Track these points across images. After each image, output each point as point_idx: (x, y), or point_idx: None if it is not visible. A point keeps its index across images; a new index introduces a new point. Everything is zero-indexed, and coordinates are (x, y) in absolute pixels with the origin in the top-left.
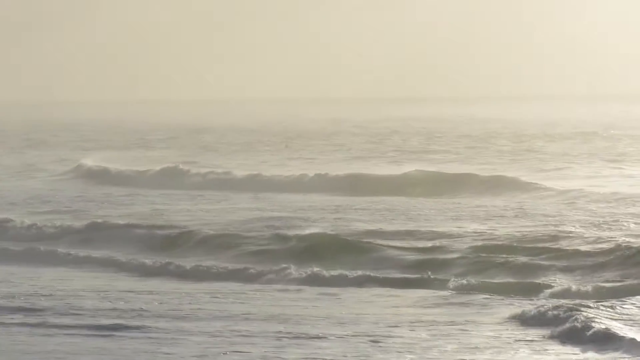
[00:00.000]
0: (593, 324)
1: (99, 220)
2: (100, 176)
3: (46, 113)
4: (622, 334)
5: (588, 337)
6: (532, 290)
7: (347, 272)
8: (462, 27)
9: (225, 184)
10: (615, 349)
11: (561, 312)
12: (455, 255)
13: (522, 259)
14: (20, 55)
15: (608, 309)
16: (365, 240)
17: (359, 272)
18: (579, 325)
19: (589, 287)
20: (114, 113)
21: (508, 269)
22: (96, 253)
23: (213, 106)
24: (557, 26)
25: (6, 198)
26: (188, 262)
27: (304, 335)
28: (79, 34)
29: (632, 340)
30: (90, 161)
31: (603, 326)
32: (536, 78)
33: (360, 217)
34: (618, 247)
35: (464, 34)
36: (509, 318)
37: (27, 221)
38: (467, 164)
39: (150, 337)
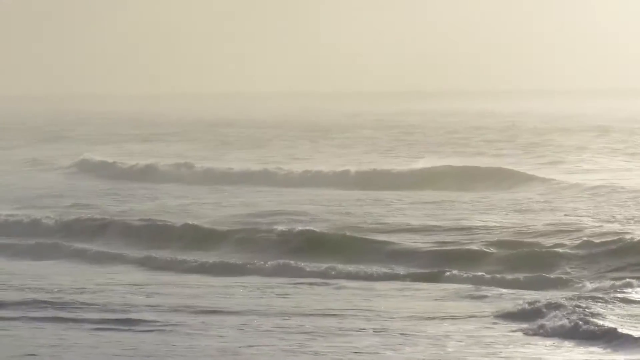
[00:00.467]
0: (601, 320)
1: (116, 218)
2: (112, 170)
3: (66, 106)
4: (621, 330)
5: (596, 333)
6: (551, 284)
7: (375, 267)
8: (469, 24)
9: (246, 178)
10: (618, 345)
11: (577, 307)
12: (480, 249)
13: (546, 251)
14: (41, 48)
15: (621, 303)
16: (393, 234)
17: (388, 267)
18: (588, 320)
19: (606, 282)
20: (132, 106)
21: (530, 262)
22: (117, 248)
23: (228, 99)
24: (575, 18)
25: (26, 192)
26: (219, 257)
27: (333, 329)
28: (95, 33)
29: (629, 336)
30: (105, 156)
31: (608, 323)
32: (554, 72)
33: (387, 211)
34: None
35: (472, 29)
36: (528, 312)
37: (38, 216)
38: (493, 157)
39: (173, 331)
